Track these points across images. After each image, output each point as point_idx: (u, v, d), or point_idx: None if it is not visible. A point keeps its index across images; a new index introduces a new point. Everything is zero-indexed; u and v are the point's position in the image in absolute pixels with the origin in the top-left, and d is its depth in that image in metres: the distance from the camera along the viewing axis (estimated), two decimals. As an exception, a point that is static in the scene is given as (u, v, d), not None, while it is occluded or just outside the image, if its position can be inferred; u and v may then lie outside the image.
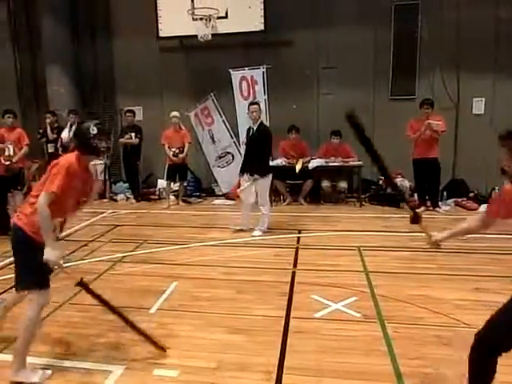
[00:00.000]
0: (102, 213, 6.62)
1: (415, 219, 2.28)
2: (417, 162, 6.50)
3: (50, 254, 2.35)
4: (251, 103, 5.52)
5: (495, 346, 1.91)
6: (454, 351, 2.57)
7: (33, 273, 2.41)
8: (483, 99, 7.23)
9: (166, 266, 4.25)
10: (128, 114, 7.57)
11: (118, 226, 5.81)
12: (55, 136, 7.25)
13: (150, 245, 4.88)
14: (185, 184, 7.59)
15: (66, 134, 7.13)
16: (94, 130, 2.58)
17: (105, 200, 7.65)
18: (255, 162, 5.24)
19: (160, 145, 7.27)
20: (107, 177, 7.82)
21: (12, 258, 2.57)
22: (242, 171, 5.42)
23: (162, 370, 2.53)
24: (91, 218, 6.22)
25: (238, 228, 5.49)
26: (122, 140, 7.52)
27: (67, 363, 2.62)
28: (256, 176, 5.21)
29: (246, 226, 5.47)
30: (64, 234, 5.35)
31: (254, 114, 5.28)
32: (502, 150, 1.89)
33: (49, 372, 2.53)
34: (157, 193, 7.83)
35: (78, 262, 4.37)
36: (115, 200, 7.72)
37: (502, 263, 4.12)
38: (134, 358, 2.65)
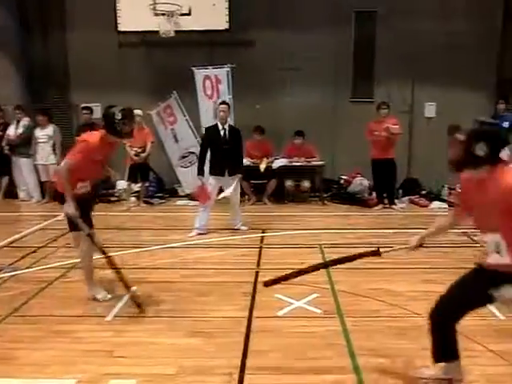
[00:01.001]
0: (56, 216, 6.31)
1: (377, 253, 2.46)
2: (375, 162, 6.73)
3: (67, 207, 3.11)
4: (221, 103, 5.46)
5: (446, 317, 2.17)
6: (409, 341, 2.67)
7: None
8: (434, 104, 7.64)
9: (125, 270, 4.08)
10: (85, 111, 7.26)
11: (74, 229, 5.53)
12: (0, 133, 6.84)
13: (108, 249, 4.61)
14: (146, 185, 7.40)
15: (12, 132, 6.75)
16: (118, 116, 3.05)
17: (59, 202, 7.30)
18: (236, 161, 5.33)
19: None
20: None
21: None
22: (221, 173, 5.25)
23: (118, 380, 2.42)
24: (43, 222, 5.91)
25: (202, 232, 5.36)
26: (78, 138, 7.21)
27: (15, 383, 2.42)
28: (238, 175, 5.35)
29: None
30: (11, 238, 5.09)
31: (222, 113, 5.27)
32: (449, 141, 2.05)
33: (109, 295, 3.37)
34: (116, 194, 7.56)
35: (25, 271, 4.07)
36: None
37: (448, 256, 4.39)
38: (87, 370, 2.52)
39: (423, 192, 7.32)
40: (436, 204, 6.90)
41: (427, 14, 7.30)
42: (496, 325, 2.92)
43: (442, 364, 2.30)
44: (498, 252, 1.96)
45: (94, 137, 3.14)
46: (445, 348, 2.26)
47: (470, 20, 7.30)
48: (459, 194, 2.18)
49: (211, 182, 5.37)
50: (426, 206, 6.88)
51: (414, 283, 3.69)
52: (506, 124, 7.08)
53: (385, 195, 6.86)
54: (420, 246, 2.34)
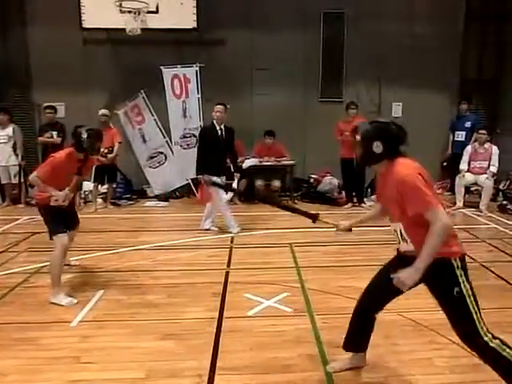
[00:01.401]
0: (17, 219, 6.04)
1: (314, 218, 2.62)
2: (344, 162, 6.83)
3: (57, 197, 3.37)
4: (217, 103, 5.42)
5: (365, 308, 2.32)
6: (378, 337, 2.71)
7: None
8: (401, 104, 7.85)
9: (91, 274, 3.98)
10: (48, 111, 6.95)
11: (36, 233, 5.22)
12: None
13: (74, 252, 4.48)
14: (114, 186, 7.21)
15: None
16: (84, 135, 3.37)
17: (20, 205, 6.93)
18: (232, 162, 5.52)
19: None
20: (22, 179, 7.10)
21: None
22: (219, 173, 5.21)
23: (86, 386, 2.35)
24: (3, 226, 5.65)
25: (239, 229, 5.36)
26: (41, 139, 6.89)
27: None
28: (237, 174, 5.56)
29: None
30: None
31: (218, 114, 5.25)
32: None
33: (75, 301, 3.33)
34: (82, 196, 7.31)
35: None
36: (33, 205, 7.00)
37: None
38: (52, 378, 2.41)
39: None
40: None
41: (393, 16, 7.50)
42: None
43: (350, 354, 2.44)
44: (404, 240, 2.08)
45: (61, 153, 3.48)
46: (359, 340, 2.39)
47: (434, 22, 7.55)
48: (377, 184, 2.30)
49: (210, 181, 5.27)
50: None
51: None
52: (468, 124, 7.40)
53: (354, 194, 6.99)
54: (349, 230, 2.53)
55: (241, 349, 2.68)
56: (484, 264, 4.12)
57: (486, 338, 1.94)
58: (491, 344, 1.94)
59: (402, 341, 2.77)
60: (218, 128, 5.30)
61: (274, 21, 7.45)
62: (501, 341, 1.97)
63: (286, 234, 5.27)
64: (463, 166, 6.70)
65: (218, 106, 5.33)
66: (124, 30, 6.73)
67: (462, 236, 5.09)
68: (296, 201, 7.24)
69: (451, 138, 7.60)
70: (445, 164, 7.79)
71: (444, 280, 1.97)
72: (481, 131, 6.69)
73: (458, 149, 7.16)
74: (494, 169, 6.51)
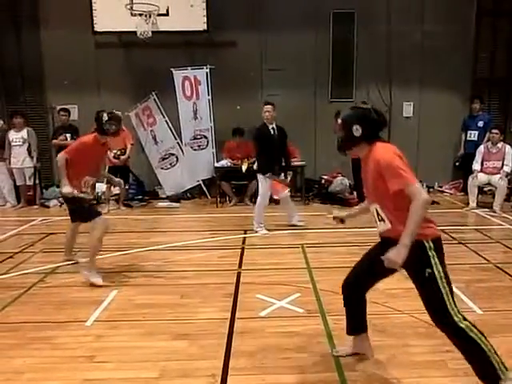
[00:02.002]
0: (32, 221, 6.14)
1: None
2: (355, 162, 6.78)
3: (63, 188, 3.65)
4: (265, 103, 5.46)
5: (353, 288, 2.44)
6: (390, 337, 2.71)
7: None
8: (412, 103, 7.78)
9: (105, 274, 4.02)
10: (62, 113, 7.08)
11: (50, 234, 5.34)
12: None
13: (87, 253, 4.58)
14: (126, 187, 7.29)
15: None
16: (105, 117, 3.62)
17: (35, 207, 7.08)
18: (286, 160, 5.54)
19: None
20: (37, 181, 7.25)
21: None
22: (275, 171, 5.31)
23: (100, 385, 2.39)
24: (18, 227, 5.74)
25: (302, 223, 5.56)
26: (55, 141, 7.02)
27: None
28: (290, 172, 5.63)
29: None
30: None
31: (267, 114, 5.30)
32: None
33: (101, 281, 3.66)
34: (95, 197, 7.43)
35: (2, 277, 3.95)
36: (47, 206, 7.12)
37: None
38: (66, 376, 2.46)
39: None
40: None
41: (404, 15, 7.44)
42: (474, 319, 2.94)
43: (352, 337, 2.53)
44: (381, 220, 2.15)
45: (87, 136, 3.81)
46: (357, 320, 2.48)
47: (445, 21, 7.48)
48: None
49: (269, 179, 5.32)
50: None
51: (393, 280, 3.67)
52: (480, 123, 7.31)
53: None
54: (341, 221, 2.58)
55: (253, 349, 2.70)
56: (498, 265, 4.06)
57: (455, 318, 2.00)
58: (461, 324, 1.99)
59: (415, 342, 2.75)
60: (270, 127, 5.38)
61: (284, 22, 7.45)
62: (470, 322, 2.03)
63: (297, 234, 5.28)
64: (476, 166, 6.62)
65: (267, 106, 5.36)
66: (135, 32, 6.82)
67: (476, 237, 5.06)
68: (308, 201, 7.23)
69: (463, 137, 7.51)
70: (457, 164, 7.71)
71: (416, 261, 2.01)
72: (493, 131, 6.61)
73: (471, 148, 7.08)
74: (507, 169, 6.42)
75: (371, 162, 2.11)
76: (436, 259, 2.01)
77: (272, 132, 5.37)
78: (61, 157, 3.70)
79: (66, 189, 3.64)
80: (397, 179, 1.97)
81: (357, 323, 2.49)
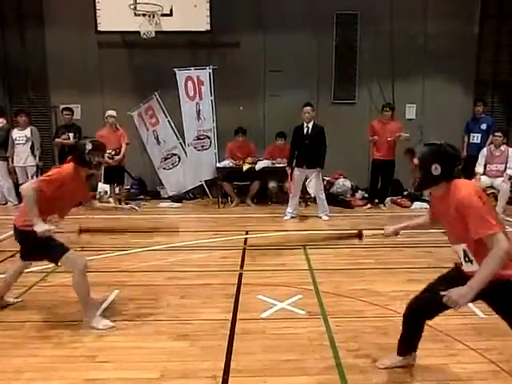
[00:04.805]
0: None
1: (359, 236, 2.79)
2: (376, 163, 6.83)
3: (37, 227, 2.80)
4: (305, 105, 6.03)
5: (419, 315, 2.33)
6: (392, 340, 2.69)
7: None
8: (414, 105, 7.77)
9: (106, 273, 4.02)
10: (65, 113, 7.08)
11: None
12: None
13: (89, 252, 4.56)
14: (127, 187, 7.28)
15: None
16: (88, 146, 3.02)
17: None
18: (317, 156, 5.96)
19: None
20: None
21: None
22: (302, 165, 6.00)
23: (101, 385, 2.38)
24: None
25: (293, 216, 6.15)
26: (57, 140, 7.02)
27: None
28: (319, 168, 5.98)
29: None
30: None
31: (306, 115, 5.92)
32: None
33: (112, 324, 3.00)
34: (97, 196, 7.41)
35: (2, 276, 3.92)
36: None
37: (432, 256, 4.43)
38: (68, 376, 2.45)
39: (405, 193, 7.43)
40: (417, 204, 7.01)
41: (407, 16, 7.43)
42: (476, 323, 2.96)
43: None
44: (468, 261, 2.07)
45: (67, 168, 3.03)
46: (411, 344, 2.44)
47: (449, 22, 7.45)
48: (430, 202, 2.32)
49: (295, 172, 6.07)
50: (407, 207, 7.00)
51: (395, 283, 3.73)
52: (483, 126, 7.28)
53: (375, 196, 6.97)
54: (395, 234, 2.55)
55: (254, 351, 2.69)
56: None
57: None
58: None
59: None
60: (305, 126, 5.98)
61: (287, 22, 7.45)
62: None
63: (299, 235, 5.28)
64: (479, 168, 6.60)
65: (307, 108, 5.95)
66: (138, 32, 6.82)
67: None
68: (309, 203, 7.21)
69: (466, 139, 7.49)
70: (460, 166, 7.68)
71: (505, 300, 2.02)
72: (496, 133, 6.59)
73: (474, 151, 7.05)
74: (510, 171, 6.39)
75: (451, 202, 2.02)
76: None
77: (305, 130, 5.98)
78: (31, 188, 2.83)
79: (41, 227, 2.80)
80: (478, 226, 1.91)
81: (411, 346, 2.45)
